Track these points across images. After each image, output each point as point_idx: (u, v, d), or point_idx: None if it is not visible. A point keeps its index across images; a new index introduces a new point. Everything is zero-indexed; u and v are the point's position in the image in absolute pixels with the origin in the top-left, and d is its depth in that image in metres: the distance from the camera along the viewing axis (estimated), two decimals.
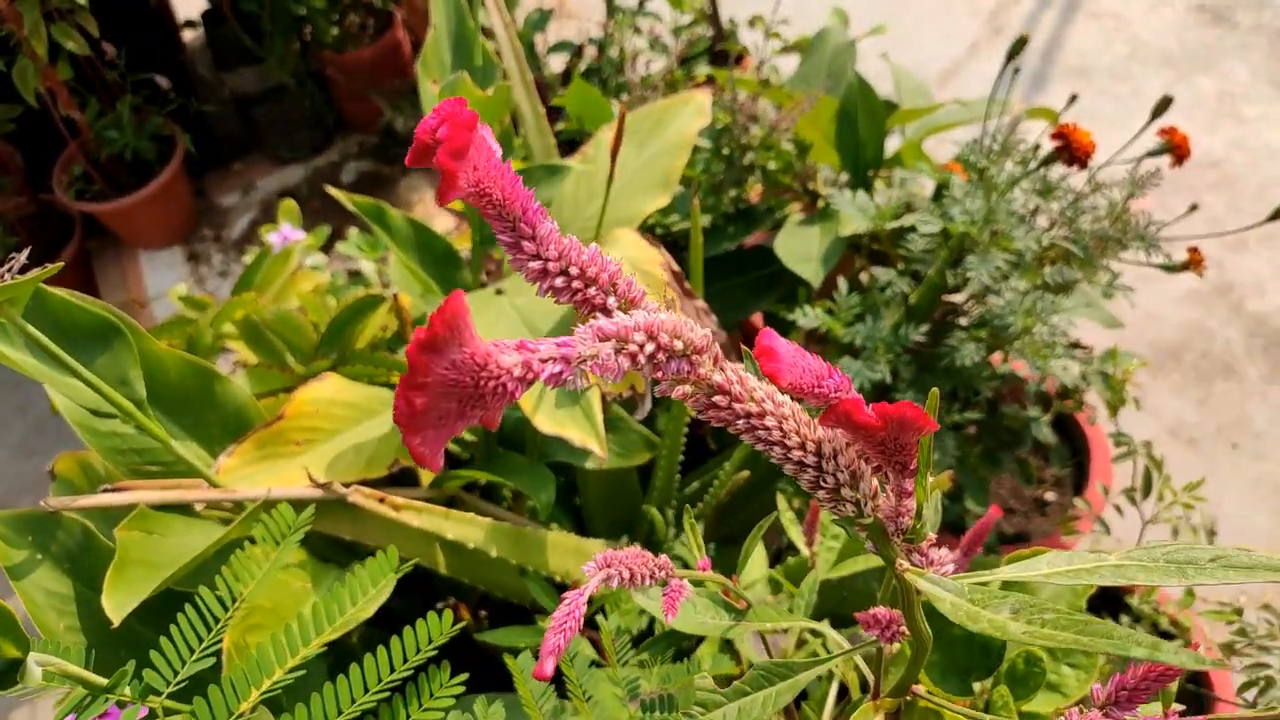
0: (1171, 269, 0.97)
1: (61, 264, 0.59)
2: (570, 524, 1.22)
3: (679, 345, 0.33)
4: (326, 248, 1.61)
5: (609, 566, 0.48)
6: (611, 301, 0.35)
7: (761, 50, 1.24)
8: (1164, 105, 0.91)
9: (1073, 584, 0.36)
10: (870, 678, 0.58)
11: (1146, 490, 1.09)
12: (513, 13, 1.67)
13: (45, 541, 0.71)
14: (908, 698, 0.48)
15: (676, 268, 0.91)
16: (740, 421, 0.35)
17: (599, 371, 0.31)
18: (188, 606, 0.56)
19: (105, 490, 0.75)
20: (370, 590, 0.62)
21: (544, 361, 0.29)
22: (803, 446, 0.35)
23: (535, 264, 0.33)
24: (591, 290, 0.34)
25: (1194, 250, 0.94)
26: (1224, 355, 1.79)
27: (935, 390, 0.34)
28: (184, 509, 0.81)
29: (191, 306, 1.23)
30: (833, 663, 0.42)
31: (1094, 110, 2.16)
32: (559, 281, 0.34)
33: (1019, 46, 0.98)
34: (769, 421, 0.35)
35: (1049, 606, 0.33)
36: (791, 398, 0.36)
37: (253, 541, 0.67)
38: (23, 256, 0.61)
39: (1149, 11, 2.29)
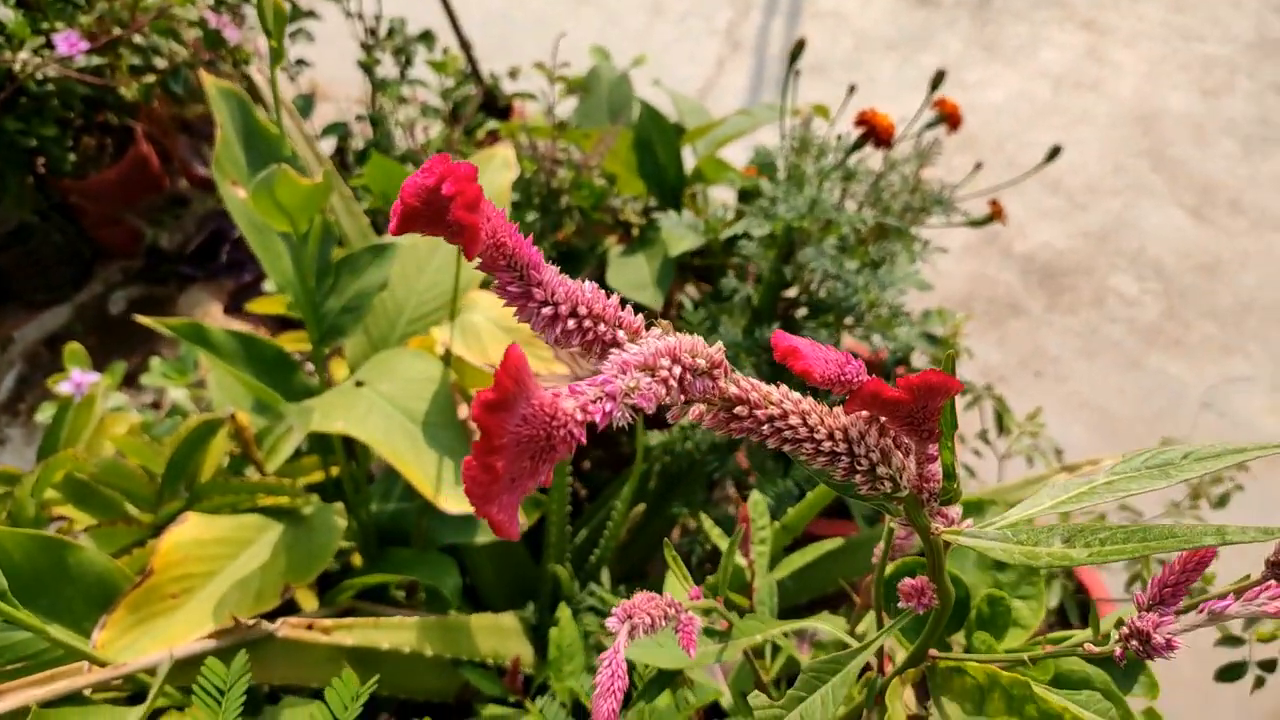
0: (978, 223, 1.05)
1: None
2: (466, 607, 1.17)
3: (702, 363, 0.33)
4: (121, 384, 1.48)
5: (631, 617, 0.46)
6: (621, 334, 0.34)
7: (549, 95, 1.25)
8: (939, 79, 0.99)
9: (1079, 508, 0.38)
10: (873, 660, 0.59)
11: (1001, 429, 1.17)
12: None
13: None
14: (928, 664, 0.49)
15: None
16: (765, 427, 0.35)
17: (642, 401, 0.30)
18: None
19: None
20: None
21: (595, 402, 0.28)
22: (831, 437, 0.35)
23: (547, 310, 0.32)
24: (601, 327, 0.33)
25: (994, 202, 1.03)
26: (1007, 296, 1.96)
27: (951, 351, 0.35)
28: (73, 699, 0.71)
29: None
30: (881, 640, 0.43)
31: (835, 100, 2.32)
32: (570, 324, 0.33)
33: (798, 50, 1.04)
34: (793, 420, 0.35)
35: (1098, 526, 0.34)
36: (814, 391, 0.36)
37: (163, 712, 0.60)
38: None
39: (864, 5, 2.50)
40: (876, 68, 2.36)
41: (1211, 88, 2.27)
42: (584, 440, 0.28)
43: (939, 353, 1.30)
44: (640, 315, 0.36)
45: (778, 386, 0.36)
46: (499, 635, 0.94)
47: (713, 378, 0.33)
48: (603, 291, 0.34)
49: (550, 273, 0.32)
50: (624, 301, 0.35)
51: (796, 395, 0.36)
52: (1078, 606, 1.03)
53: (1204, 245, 1.99)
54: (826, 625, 0.57)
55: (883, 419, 0.36)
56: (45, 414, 1.24)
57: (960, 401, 1.26)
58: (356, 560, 1.18)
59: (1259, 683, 0.79)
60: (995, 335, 1.90)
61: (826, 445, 0.35)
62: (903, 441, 0.37)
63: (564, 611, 0.95)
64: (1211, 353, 1.83)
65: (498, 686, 0.86)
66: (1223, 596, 0.33)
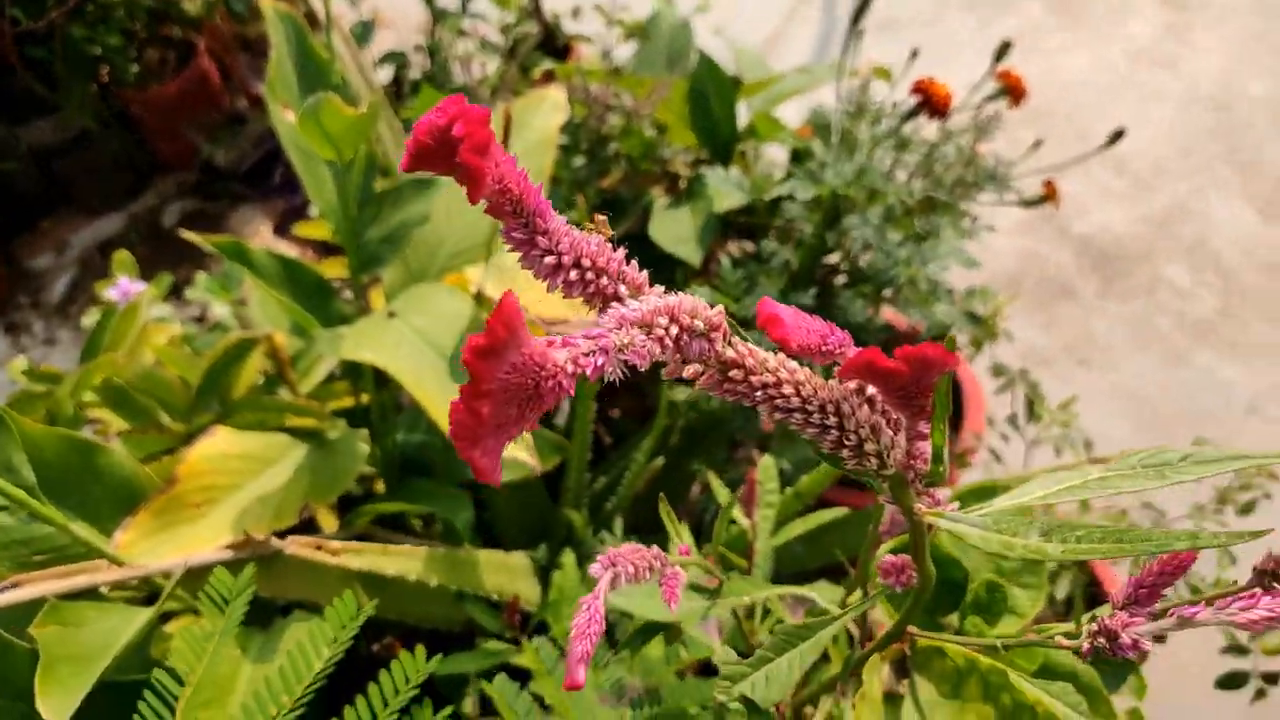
0: (1030, 203, 1.03)
1: None
2: (479, 541, 1.19)
3: (699, 325, 0.33)
4: (169, 296, 1.51)
5: (614, 565, 0.47)
6: (623, 289, 0.34)
7: (606, 39, 1.23)
8: (1004, 49, 0.96)
9: (1071, 499, 0.37)
10: (856, 632, 0.60)
11: (1031, 415, 1.16)
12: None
13: None
14: (909, 642, 0.49)
15: None
16: (758, 393, 0.35)
17: (635, 358, 0.30)
18: (146, 694, 0.51)
19: (4, 588, 0.67)
20: (337, 638, 0.58)
21: (588, 355, 0.29)
22: (823, 409, 0.35)
23: (549, 259, 0.32)
24: (604, 280, 0.33)
25: (1048, 183, 1.00)
26: (1059, 277, 1.92)
27: (951, 334, 0.35)
28: (90, 594, 0.74)
29: (37, 379, 1.12)
30: (855, 612, 0.43)
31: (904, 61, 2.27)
32: (573, 275, 0.33)
33: (862, 8, 1.02)
34: (786, 390, 0.35)
35: (1076, 524, 0.34)
36: (797, 359, 0.36)
37: (174, 615, 0.62)
38: None
39: None
40: (953, 28, 2.30)
41: None
42: (571, 391, 0.29)
43: (980, 333, 1.29)
44: (645, 271, 0.35)
45: (777, 354, 0.36)
46: (506, 573, 0.95)
47: (710, 340, 0.33)
48: (609, 247, 0.34)
49: (557, 222, 0.32)
50: (629, 257, 0.34)
51: (794, 365, 0.36)
52: (1086, 601, 1.03)
53: (1272, 244, 1.92)
54: (816, 593, 0.57)
55: (876, 390, 0.35)
56: (91, 318, 1.27)
57: (992, 384, 1.24)
58: (379, 487, 1.21)
59: (1259, 694, 0.78)
60: (1043, 317, 1.87)
61: (817, 417, 0.35)
62: (893, 417, 0.37)
63: (568, 556, 0.96)
64: (1267, 357, 1.78)
65: (497, 622, 0.88)
66: (1194, 603, 0.33)
